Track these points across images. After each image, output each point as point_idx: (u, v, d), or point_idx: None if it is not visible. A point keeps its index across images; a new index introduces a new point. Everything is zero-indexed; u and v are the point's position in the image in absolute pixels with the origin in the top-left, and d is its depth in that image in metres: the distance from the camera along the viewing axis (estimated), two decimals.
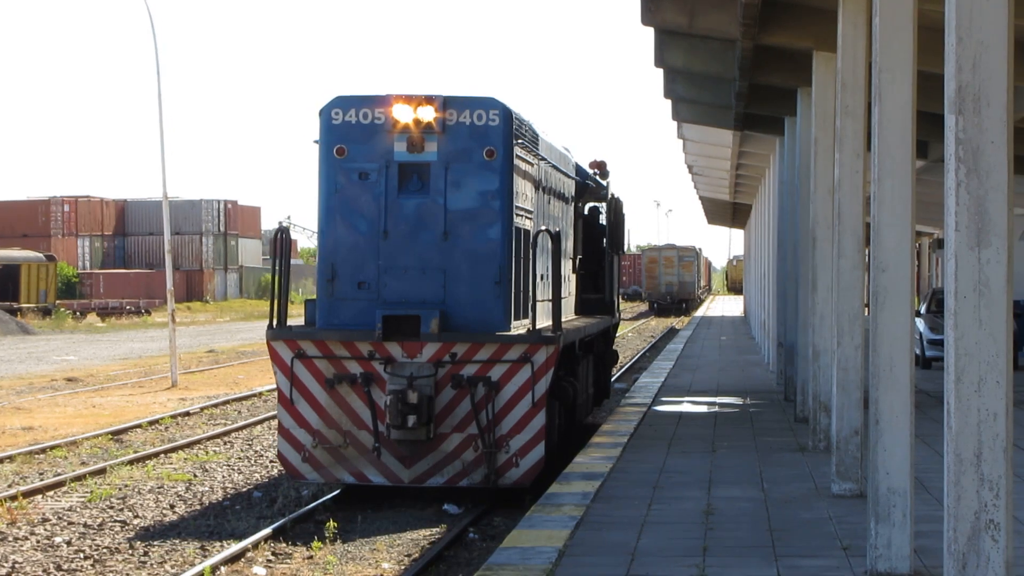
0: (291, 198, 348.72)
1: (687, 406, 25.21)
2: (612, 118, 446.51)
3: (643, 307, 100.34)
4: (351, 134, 17.66)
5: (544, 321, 19.14)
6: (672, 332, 64.87)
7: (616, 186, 27.09)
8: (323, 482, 17.83)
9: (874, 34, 10.94)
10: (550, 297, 19.53)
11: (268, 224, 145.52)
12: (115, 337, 63.11)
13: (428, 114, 17.50)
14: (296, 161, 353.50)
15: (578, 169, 24.22)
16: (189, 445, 23.76)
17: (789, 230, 24.85)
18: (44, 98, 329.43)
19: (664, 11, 20.11)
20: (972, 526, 8.10)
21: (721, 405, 25.41)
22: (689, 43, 22.10)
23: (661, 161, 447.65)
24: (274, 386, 34.01)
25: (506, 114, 17.74)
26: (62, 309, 79.47)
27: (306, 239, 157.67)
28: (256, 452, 23.02)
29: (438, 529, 16.21)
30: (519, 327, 18.09)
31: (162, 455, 22.56)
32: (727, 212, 65.60)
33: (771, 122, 26.87)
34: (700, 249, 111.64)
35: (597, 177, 25.77)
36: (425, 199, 17.59)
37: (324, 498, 17.68)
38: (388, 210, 17.60)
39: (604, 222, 26.15)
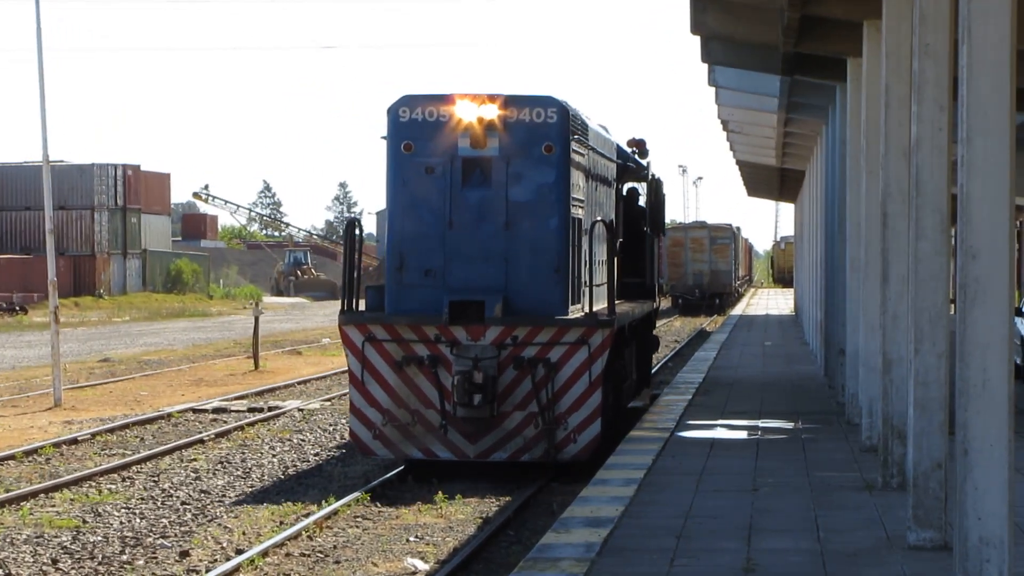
0: (206, 164, 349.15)
1: (721, 431, 25.26)
2: (625, 58, 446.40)
3: (665, 303, 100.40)
4: (417, 131, 23.02)
5: (597, 304, 24.38)
6: (702, 335, 64.98)
7: (655, 164, 32.54)
8: (392, 457, 23.14)
9: None
10: (601, 282, 25.14)
11: (179, 196, 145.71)
12: None
13: (490, 112, 22.76)
14: (213, 121, 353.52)
15: (619, 151, 29.56)
16: (77, 482, 23.75)
17: (852, 204, 24.87)
18: None
19: None
20: None
21: (764, 430, 25.46)
22: None
23: (687, 115, 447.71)
24: (190, 405, 34.57)
25: (563, 111, 23.06)
26: None
27: (228, 215, 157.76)
28: (163, 491, 23.01)
29: None
30: (575, 311, 23.41)
31: (42, 495, 22.55)
32: (773, 181, 65.68)
33: (829, 64, 26.88)
34: (738, 228, 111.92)
35: (636, 156, 31.45)
36: (487, 192, 22.97)
37: (249, 552, 17.70)
38: (453, 202, 22.96)
39: (643, 203, 31.80)
